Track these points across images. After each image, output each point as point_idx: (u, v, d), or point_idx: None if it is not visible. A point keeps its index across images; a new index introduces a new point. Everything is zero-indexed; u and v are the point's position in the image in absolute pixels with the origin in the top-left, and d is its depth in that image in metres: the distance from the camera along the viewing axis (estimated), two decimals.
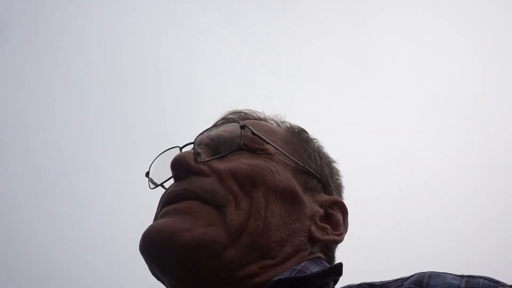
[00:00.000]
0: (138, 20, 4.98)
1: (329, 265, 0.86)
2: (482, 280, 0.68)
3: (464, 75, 4.64)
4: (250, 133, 0.87)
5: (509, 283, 0.68)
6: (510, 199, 3.99)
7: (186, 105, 4.77)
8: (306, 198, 0.87)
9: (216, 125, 0.96)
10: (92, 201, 4.51)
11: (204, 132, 0.91)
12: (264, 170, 0.83)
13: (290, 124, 1.00)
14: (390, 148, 4.59)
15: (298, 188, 0.86)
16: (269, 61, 4.95)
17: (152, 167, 0.96)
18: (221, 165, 0.83)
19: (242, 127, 0.86)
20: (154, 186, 0.94)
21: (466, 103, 4.52)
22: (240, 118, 0.98)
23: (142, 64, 4.96)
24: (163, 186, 0.93)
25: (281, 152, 0.89)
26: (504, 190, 4.00)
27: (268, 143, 0.88)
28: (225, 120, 0.99)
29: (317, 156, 0.95)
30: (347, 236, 0.90)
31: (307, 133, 0.99)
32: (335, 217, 0.89)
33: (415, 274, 0.72)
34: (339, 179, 1.00)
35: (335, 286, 0.82)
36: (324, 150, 1.00)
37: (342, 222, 0.89)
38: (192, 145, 0.90)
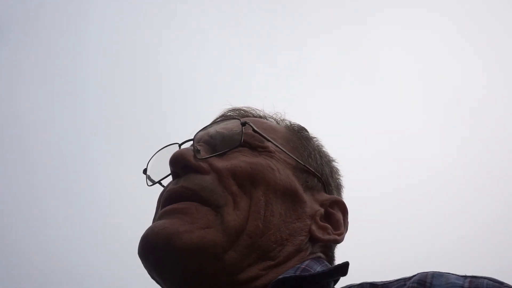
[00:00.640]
0: (137, 19, 4.98)
1: (328, 264, 0.85)
2: (486, 280, 0.67)
3: (465, 74, 4.63)
4: (251, 130, 0.86)
5: None
6: (511, 199, 3.99)
7: (185, 104, 4.77)
8: (307, 197, 0.86)
9: (215, 122, 0.95)
10: (92, 200, 4.51)
11: (204, 129, 0.90)
12: (265, 168, 0.82)
13: (290, 122, 0.99)
14: (390, 147, 4.59)
15: (299, 187, 0.85)
16: (268, 59, 4.95)
17: (150, 164, 0.95)
18: (220, 163, 0.82)
19: (243, 124, 0.85)
20: (152, 183, 0.93)
21: (467, 102, 4.52)
22: (240, 116, 0.97)
23: (141, 63, 4.96)
24: (161, 184, 0.92)
25: (282, 150, 0.88)
26: (505, 190, 3.99)
27: (269, 140, 0.87)
28: (224, 117, 0.98)
29: (317, 155, 0.94)
30: (347, 236, 0.89)
31: (307, 131, 0.98)
32: (335, 217, 0.88)
33: (418, 274, 0.71)
34: (339, 178, 0.99)
35: (336, 286, 0.81)
36: (324, 149, 1.00)
37: (342, 221, 0.89)
38: (191, 142, 0.89)
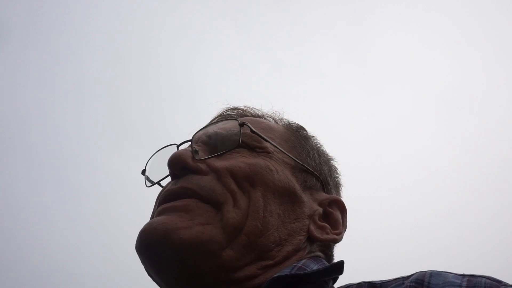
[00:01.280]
0: (136, 14, 4.97)
1: (326, 263, 0.85)
2: (484, 279, 0.67)
3: (466, 71, 4.62)
4: (249, 131, 0.86)
5: (510, 283, 0.67)
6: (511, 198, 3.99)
7: (185, 99, 4.76)
8: (305, 197, 0.85)
9: (213, 122, 0.95)
10: (91, 197, 4.50)
11: (202, 130, 0.90)
12: (263, 169, 0.82)
13: (288, 121, 0.99)
14: (389, 145, 4.58)
15: (297, 187, 0.85)
16: (268, 56, 4.94)
17: (148, 165, 0.94)
18: (219, 164, 0.82)
19: (241, 124, 0.85)
20: (150, 184, 0.93)
21: (468, 100, 4.51)
22: (238, 115, 0.97)
23: (140, 59, 4.94)
24: (160, 185, 0.92)
25: (280, 150, 0.87)
26: (506, 189, 3.99)
27: (267, 141, 0.87)
28: (222, 117, 0.98)
29: (315, 154, 0.94)
30: (346, 235, 0.89)
31: (306, 131, 0.98)
32: (334, 216, 0.88)
33: (416, 273, 0.71)
34: (338, 177, 0.99)
35: (334, 285, 0.81)
36: (322, 148, 0.99)
37: (341, 220, 0.89)
38: (189, 143, 0.89)
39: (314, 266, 0.79)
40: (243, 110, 0.99)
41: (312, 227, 0.84)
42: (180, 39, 4.99)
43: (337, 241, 0.87)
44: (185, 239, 0.73)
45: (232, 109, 0.99)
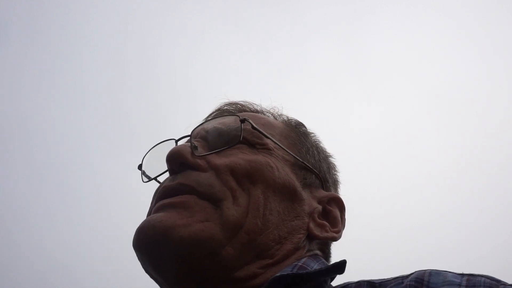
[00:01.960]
0: (134, 15, 4.96)
1: (326, 262, 0.84)
2: (483, 278, 0.66)
3: (467, 72, 4.62)
4: (250, 127, 0.84)
5: (510, 282, 0.66)
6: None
7: (182, 100, 4.75)
8: (305, 195, 0.85)
9: (212, 117, 0.93)
10: (89, 198, 4.49)
11: (200, 125, 0.88)
12: (264, 166, 0.80)
13: (287, 117, 0.98)
14: (387, 143, 4.58)
15: (297, 185, 0.84)
16: (265, 55, 4.94)
17: (145, 160, 0.93)
18: (218, 160, 0.80)
19: (242, 120, 0.83)
20: (147, 180, 0.91)
21: (470, 101, 4.50)
22: (237, 110, 0.95)
23: (138, 59, 4.93)
24: (157, 180, 0.91)
25: (280, 146, 0.86)
26: (506, 190, 3.99)
27: (267, 137, 0.86)
28: (220, 112, 0.96)
29: (315, 151, 0.93)
30: (344, 233, 0.89)
31: (305, 127, 0.97)
32: (333, 214, 0.87)
33: (415, 272, 0.71)
34: (336, 174, 0.98)
35: (332, 283, 0.80)
36: (321, 145, 0.98)
37: (340, 218, 0.88)
38: (187, 138, 0.87)
39: (315, 265, 0.79)
40: (241, 105, 0.97)
41: (311, 225, 0.83)
42: (178, 39, 4.98)
43: (336, 239, 0.86)
44: (185, 237, 0.72)
45: (230, 104, 0.97)
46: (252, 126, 0.84)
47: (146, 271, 0.80)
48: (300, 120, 0.98)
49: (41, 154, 4.63)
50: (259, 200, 0.78)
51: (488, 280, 0.66)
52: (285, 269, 0.75)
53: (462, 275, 0.68)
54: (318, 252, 0.85)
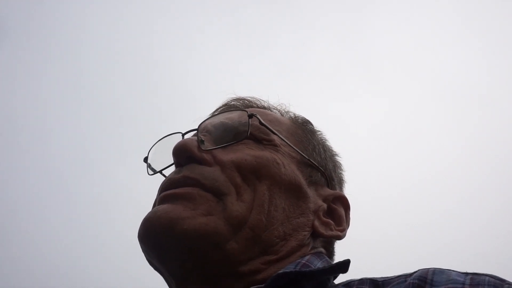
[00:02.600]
0: (131, 13, 4.93)
1: (329, 260, 0.85)
2: (487, 278, 0.66)
3: (471, 69, 4.59)
4: (257, 123, 0.84)
5: None
6: None
7: (183, 100, 4.74)
8: (310, 192, 0.85)
9: (219, 112, 0.93)
10: (89, 200, 4.49)
11: (207, 119, 0.88)
12: (270, 162, 0.80)
13: (294, 114, 0.98)
14: (393, 142, 4.57)
15: (303, 182, 0.84)
16: (268, 53, 4.92)
17: (151, 153, 0.93)
18: (225, 156, 0.80)
19: (250, 116, 0.83)
20: (153, 173, 0.91)
21: (476, 97, 4.47)
22: (244, 106, 0.95)
23: (138, 58, 4.92)
24: (162, 174, 0.91)
25: (287, 143, 0.86)
26: (507, 189, 3.97)
27: (274, 133, 0.85)
28: (228, 107, 0.96)
29: (321, 149, 0.93)
30: (348, 232, 0.89)
31: (312, 124, 0.97)
32: (338, 212, 0.88)
33: (419, 270, 0.70)
34: (341, 173, 0.98)
35: (335, 281, 0.80)
36: (327, 143, 0.98)
37: (344, 217, 0.88)
38: (194, 132, 0.87)
39: (318, 263, 0.79)
40: (249, 100, 0.97)
41: (316, 223, 0.83)
42: (178, 37, 4.96)
43: (340, 237, 0.86)
44: (189, 230, 0.72)
45: (237, 99, 0.97)
46: (260, 122, 0.84)
47: (150, 263, 0.80)
48: (307, 118, 0.98)
49: (41, 154, 4.63)
50: (264, 196, 0.78)
51: (493, 279, 0.66)
52: (288, 266, 0.75)
53: (466, 273, 0.68)
54: (322, 249, 0.85)
